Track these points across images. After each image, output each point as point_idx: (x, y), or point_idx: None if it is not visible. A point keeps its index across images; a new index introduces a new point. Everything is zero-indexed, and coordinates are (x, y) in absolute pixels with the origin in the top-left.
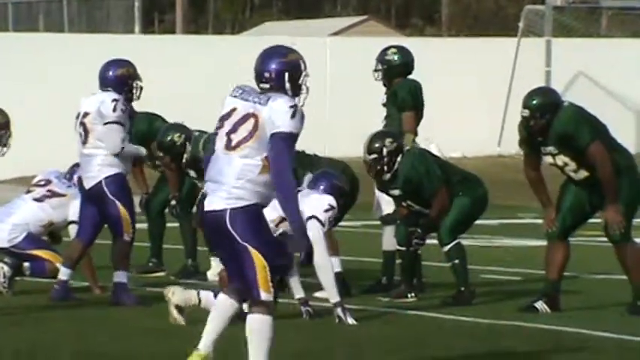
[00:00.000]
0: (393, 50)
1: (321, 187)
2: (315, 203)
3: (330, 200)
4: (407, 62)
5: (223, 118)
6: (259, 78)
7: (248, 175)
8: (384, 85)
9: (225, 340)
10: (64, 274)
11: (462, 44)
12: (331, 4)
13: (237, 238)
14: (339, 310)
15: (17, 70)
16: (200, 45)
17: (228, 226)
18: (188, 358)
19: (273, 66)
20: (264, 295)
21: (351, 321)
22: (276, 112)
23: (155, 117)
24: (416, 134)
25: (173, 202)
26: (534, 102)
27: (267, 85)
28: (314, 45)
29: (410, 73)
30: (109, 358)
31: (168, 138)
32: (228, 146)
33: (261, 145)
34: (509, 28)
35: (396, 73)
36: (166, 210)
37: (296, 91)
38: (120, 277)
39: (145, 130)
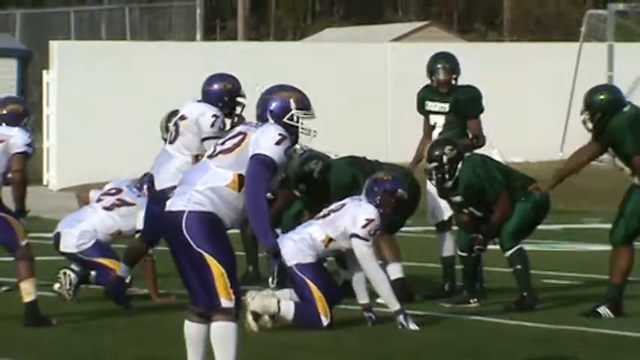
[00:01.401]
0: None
1: (375, 190)
2: (352, 220)
3: (366, 214)
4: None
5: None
6: (260, 116)
7: (213, 183)
8: (442, 90)
9: None
10: (122, 270)
11: (523, 49)
12: (392, 9)
13: (192, 243)
14: (401, 317)
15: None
16: (260, 51)
17: (184, 228)
18: None
19: (275, 104)
20: (225, 302)
21: (413, 327)
22: (263, 135)
23: None
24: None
25: None
26: (594, 99)
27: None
28: (375, 51)
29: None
30: None
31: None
32: (210, 155)
33: (239, 162)
34: (571, 33)
35: (456, 79)
36: None
37: (296, 130)
38: None
39: None
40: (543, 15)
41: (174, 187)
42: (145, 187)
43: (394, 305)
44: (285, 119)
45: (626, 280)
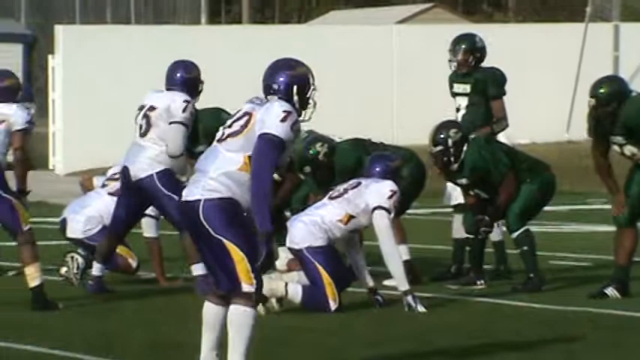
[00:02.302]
0: (480, 37)
1: (377, 170)
2: (377, 193)
3: (390, 185)
4: (485, 49)
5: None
6: (267, 90)
7: (226, 168)
8: (462, 70)
9: None
10: (96, 269)
11: (529, 30)
12: None
13: (211, 231)
14: (409, 298)
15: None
16: (267, 34)
17: (202, 217)
18: None
19: (281, 78)
20: (246, 287)
21: (421, 308)
22: (268, 113)
23: (220, 111)
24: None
25: None
26: (601, 91)
27: (275, 98)
28: (381, 33)
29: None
30: (178, 346)
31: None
32: (219, 139)
33: (248, 143)
34: (576, 14)
35: (479, 60)
36: None
37: (303, 104)
38: (198, 269)
39: (215, 125)
40: None
41: (150, 177)
42: (120, 181)
43: (404, 285)
44: (307, 94)
45: (632, 260)
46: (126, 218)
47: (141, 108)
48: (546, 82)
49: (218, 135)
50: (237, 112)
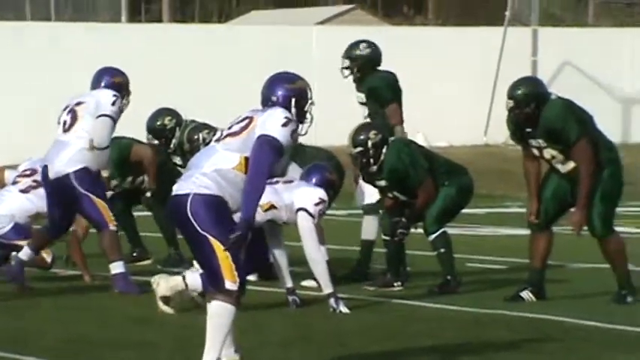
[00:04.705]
0: (365, 45)
1: (314, 180)
2: (306, 195)
3: (321, 194)
4: (377, 56)
5: (231, 122)
6: (265, 102)
7: (221, 165)
8: (355, 81)
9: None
10: (24, 254)
11: (448, 33)
12: None
13: (197, 226)
14: (332, 301)
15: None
16: (187, 34)
17: (189, 211)
18: None
19: (280, 91)
20: (229, 284)
21: (344, 310)
22: (270, 117)
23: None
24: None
25: (148, 194)
26: (518, 92)
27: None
28: (300, 34)
29: (379, 66)
30: (95, 345)
31: (159, 122)
32: (218, 139)
33: (246, 144)
34: (496, 18)
35: (368, 68)
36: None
37: (301, 118)
38: (118, 267)
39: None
40: None
41: (66, 175)
42: (39, 165)
43: (327, 287)
44: (305, 108)
45: (547, 263)
46: (62, 215)
47: (65, 107)
48: (465, 86)
49: (216, 135)
50: (238, 117)
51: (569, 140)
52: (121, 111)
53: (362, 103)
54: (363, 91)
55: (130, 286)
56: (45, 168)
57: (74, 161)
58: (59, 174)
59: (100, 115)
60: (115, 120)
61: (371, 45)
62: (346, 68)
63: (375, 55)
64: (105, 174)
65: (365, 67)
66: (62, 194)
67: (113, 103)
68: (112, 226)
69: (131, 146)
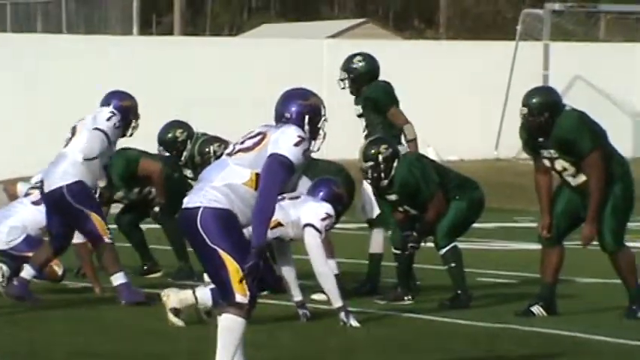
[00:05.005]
0: (359, 58)
1: (321, 194)
2: (313, 211)
3: (328, 209)
4: (374, 69)
5: (243, 136)
6: (279, 118)
7: (231, 179)
8: (352, 93)
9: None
10: (26, 272)
11: (460, 47)
12: (329, 6)
13: (207, 240)
14: (342, 315)
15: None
16: (199, 47)
17: (199, 225)
18: None
19: (294, 108)
20: (240, 298)
21: (354, 323)
22: (283, 135)
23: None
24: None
25: (157, 209)
26: (533, 100)
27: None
28: (311, 47)
29: (376, 78)
30: (104, 358)
31: (170, 134)
32: (230, 153)
33: (258, 160)
34: (507, 32)
35: (364, 80)
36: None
37: (314, 135)
38: (119, 278)
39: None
40: (480, 14)
41: (59, 189)
42: (35, 179)
43: (337, 301)
44: (318, 125)
45: (558, 278)
46: (60, 229)
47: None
48: (476, 100)
49: (228, 149)
50: (250, 131)
51: (581, 152)
52: (118, 129)
53: (359, 116)
54: (359, 103)
55: (135, 294)
56: (41, 182)
57: (68, 174)
58: (53, 187)
59: (93, 129)
60: (106, 134)
61: (366, 58)
62: (343, 80)
63: (370, 67)
64: (101, 184)
65: (361, 79)
66: (57, 208)
67: (108, 119)
68: (107, 239)
69: (139, 159)
